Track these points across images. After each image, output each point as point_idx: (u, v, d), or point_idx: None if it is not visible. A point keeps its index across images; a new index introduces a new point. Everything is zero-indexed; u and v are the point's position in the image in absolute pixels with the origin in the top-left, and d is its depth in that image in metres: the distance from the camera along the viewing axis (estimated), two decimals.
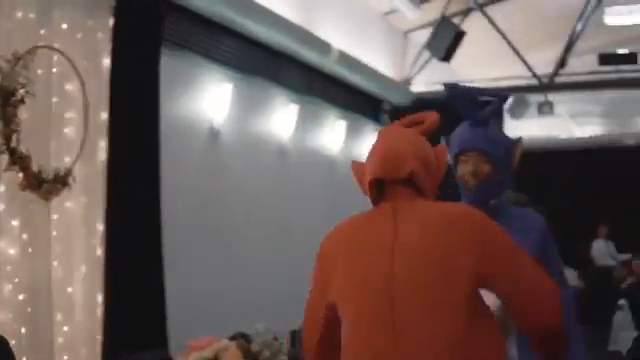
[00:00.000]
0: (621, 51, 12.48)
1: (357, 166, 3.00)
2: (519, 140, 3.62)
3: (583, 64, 12.63)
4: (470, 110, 3.51)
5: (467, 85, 3.62)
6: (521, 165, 3.64)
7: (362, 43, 10.87)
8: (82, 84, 5.85)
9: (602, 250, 14.73)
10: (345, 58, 10.09)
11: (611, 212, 14.34)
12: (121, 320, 6.18)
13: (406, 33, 12.94)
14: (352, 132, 10.98)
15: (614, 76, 12.58)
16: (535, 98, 14.32)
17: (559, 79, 12.58)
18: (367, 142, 11.57)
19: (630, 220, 13.96)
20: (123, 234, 6.28)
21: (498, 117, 3.53)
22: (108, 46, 6.30)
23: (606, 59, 12.37)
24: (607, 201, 14.72)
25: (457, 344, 2.67)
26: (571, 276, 13.74)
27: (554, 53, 12.50)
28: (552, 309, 2.77)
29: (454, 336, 2.67)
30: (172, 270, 6.76)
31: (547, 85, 12.55)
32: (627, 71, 12.41)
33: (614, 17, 12.50)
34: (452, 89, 3.51)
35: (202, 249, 7.52)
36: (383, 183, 2.88)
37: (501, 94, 3.63)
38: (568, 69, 12.44)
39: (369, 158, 2.92)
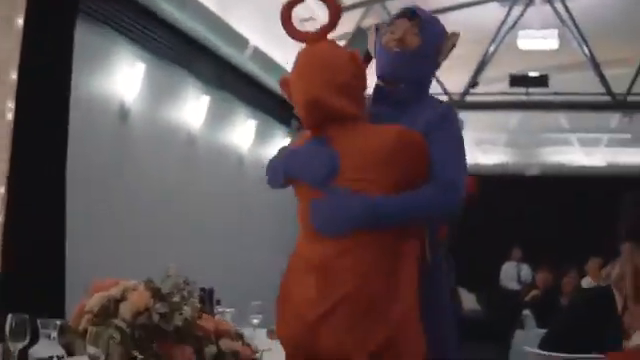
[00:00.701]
0: (532, 74, 12.63)
1: (285, 82, 3.19)
2: (455, 35, 3.35)
3: (496, 86, 12.77)
4: None
5: None
6: None
7: (277, 46, 10.77)
8: None
9: (510, 273, 14.85)
10: (260, 56, 10.02)
11: (522, 236, 14.53)
12: (17, 289, 5.95)
13: None
14: (262, 133, 10.88)
15: (524, 98, 12.73)
16: None
17: (470, 98, 12.68)
18: (276, 144, 11.47)
19: (537, 245, 14.19)
20: (25, 202, 6.06)
21: None
22: (23, 6, 6.10)
23: (517, 81, 12.53)
24: (515, 226, 14.91)
25: None
26: (469, 299, 13.84)
27: (468, 74, 12.60)
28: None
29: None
30: (74, 246, 6.54)
31: (458, 103, 12.63)
32: (537, 94, 12.58)
33: (527, 40, 12.67)
34: None
35: (105, 225, 7.33)
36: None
37: None
38: (480, 90, 12.54)
39: (293, 86, 3.14)
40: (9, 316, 3.68)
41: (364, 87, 3.15)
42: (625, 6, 12.09)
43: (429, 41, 3.25)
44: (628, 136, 15.48)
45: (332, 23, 3.15)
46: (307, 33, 3.19)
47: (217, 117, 9.59)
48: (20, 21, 6.07)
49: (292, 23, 3.20)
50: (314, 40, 3.15)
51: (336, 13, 3.14)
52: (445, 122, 3.18)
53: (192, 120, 9.01)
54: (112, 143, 7.60)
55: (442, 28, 3.35)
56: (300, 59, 3.14)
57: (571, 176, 15.75)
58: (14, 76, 6.00)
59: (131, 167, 7.87)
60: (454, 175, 3.10)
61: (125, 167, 7.76)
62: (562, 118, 15.16)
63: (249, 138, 10.54)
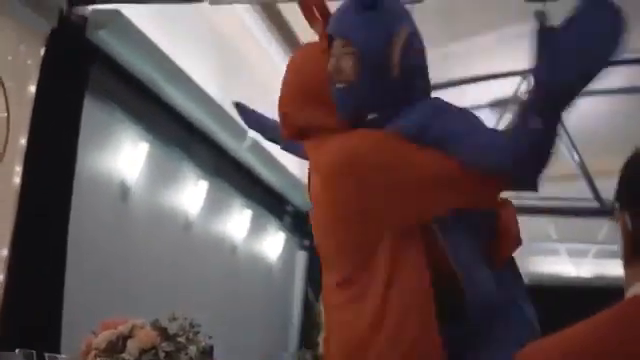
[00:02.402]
0: None
1: None
2: (404, 30, 2.70)
3: None
4: None
5: None
6: None
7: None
8: (6, 101, 5.82)
9: None
10: (258, 148, 10.17)
11: None
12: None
13: None
14: (256, 224, 10.97)
15: (514, 202, 12.82)
16: None
17: None
18: (270, 238, 11.60)
19: None
20: (26, 264, 6.16)
21: None
22: (36, 74, 6.30)
23: None
24: None
25: None
26: None
27: None
28: None
29: None
30: (69, 313, 6.60)
31: None
32: (526, 198, 12.70)
33: None
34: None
35: (100, 297, 7.36)
36: None
37: None
38: None
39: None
40: (17, 350, 3.76)
41: None
42: (616, 120, 12.34)
43: (371, 59, 2.68)
44: (615, 248, 15.61)
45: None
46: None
47: (214, 203, 9.71)
48: (32, 89, 6.26)
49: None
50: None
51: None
52: (439, 110, 2.73)
53: (189, 204, 9.13)
54: (111, 219, 7.70)
55: (382, 28, 2.68)
56: (287, 64, 2.94)
57: (559, 286, 15.82)
58: (23, 141, 6.16)
59: (128, 245, 7.95)
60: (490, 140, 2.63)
61: (122, 245, 7.84)
62: (550, 228, 15.28)
63: (244, 228, 10.64)
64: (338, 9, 2.76)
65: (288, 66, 2.88)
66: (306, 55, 2.86)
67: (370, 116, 2.75)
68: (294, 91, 2.84)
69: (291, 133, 2.90)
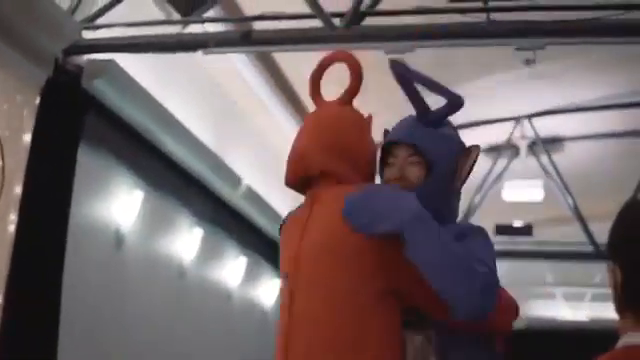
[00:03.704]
0: (517, 223, 12.85)
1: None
2: (476, 148, 2.91)
3: None
4: (419, 105, 2.90)
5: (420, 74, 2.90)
6: None
7: (270, 187, 10.98)
8: (2, 150, 5.85)
9: None
10: (252, 195, 10.20)
11: None
12: None
13: None
14: (251, 271, 11.00)
15: (510, 247, 12.90)
16: None
17: None
18: (265, 284, 11.60)
19: None
20: (21, 312, 6.15)
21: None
22: (31, 123, 6.33)
23: (502, 230, 12.71)
24: None
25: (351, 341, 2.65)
26: None
27: None
28: None
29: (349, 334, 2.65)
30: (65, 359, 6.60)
31: None
32: (522, 243, 12.76)
33: (512, 191, 12.95)
34: (402, 74, 2.84)
35: (94, 346, 7.35)
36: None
37: (456, 98, 2.89)
38: None
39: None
40: None
41: (370, 152, 2.88)
42: (609, 162, 12.42)
43: (438, 168, 2.82)
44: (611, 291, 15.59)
45: (355, 87, 2.95)
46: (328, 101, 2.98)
47: (209, 250, 9.72)
48: (27, 138, 6.29)
49: (319, 87, 3.00)
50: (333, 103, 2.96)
51: (357, 76, 2.93)
52: (479, 233, 2.75)
53: (184, 251, 9.14)
54: (106, 267, 7.69)
55: (455, 142, 2.92)
56: (305, 120, 2.97)
57: (555, 330, 15.78)
58: (18, 190, 6.18)
59: (123, 293, 7.94)
60: (493, 279, 2.57)
61: (117, 292, 7.83)
62: (546, 272, 15.31)
63: (238, 275, 10.66)
64: (403, 121, 2.95)
65: (311, 120, 2.92)
66: (333, 113, 2.88)
67: None
68: (324, 141, 2.81)
69: (298, 176, 2.87)
